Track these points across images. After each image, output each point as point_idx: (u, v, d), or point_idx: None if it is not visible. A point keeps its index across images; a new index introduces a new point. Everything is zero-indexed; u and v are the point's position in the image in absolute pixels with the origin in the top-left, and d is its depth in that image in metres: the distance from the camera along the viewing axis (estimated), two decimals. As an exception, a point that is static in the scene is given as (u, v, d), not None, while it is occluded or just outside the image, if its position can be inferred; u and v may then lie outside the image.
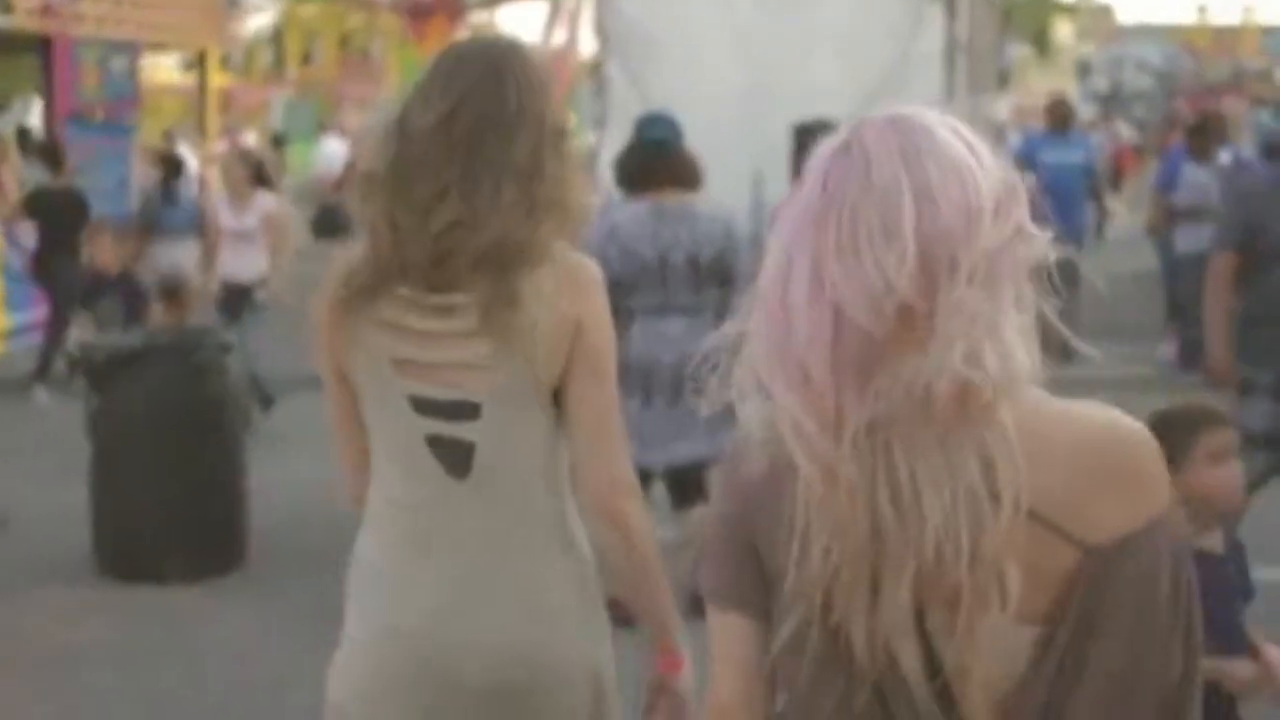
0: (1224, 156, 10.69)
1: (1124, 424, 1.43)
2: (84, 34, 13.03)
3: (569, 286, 2.22)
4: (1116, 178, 20.50)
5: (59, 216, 10.17)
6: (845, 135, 1.42)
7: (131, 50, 13.92)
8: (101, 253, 10.49)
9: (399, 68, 22.80)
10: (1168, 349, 10.42)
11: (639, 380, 5.00)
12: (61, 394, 9.55)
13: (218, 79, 17.54)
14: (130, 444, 6.15)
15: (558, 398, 2.25)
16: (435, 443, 2.25)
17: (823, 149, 1.43)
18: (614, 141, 7.54)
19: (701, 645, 1.68)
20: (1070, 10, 41.13)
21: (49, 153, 10.83)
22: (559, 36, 18.37)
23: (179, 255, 9.53)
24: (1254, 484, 4.49)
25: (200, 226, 9.56)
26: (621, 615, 2.36)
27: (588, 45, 16.05)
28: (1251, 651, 2.75)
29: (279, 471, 7.38)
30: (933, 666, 1.40)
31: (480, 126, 2.19)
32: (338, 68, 27.74)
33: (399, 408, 2.25)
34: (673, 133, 5.37)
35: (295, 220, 15.62)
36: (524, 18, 45.49)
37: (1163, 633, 1.38)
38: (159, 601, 5.85)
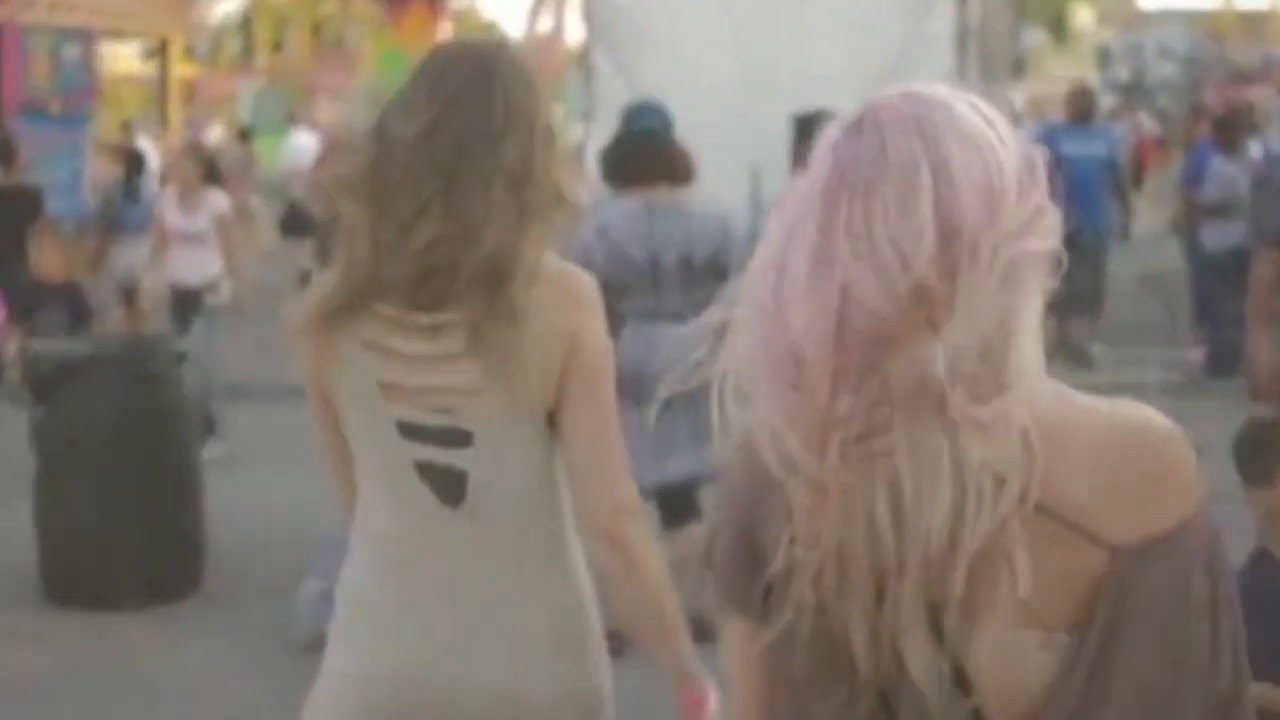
0: (1253, 149, 10.66)
1: (1153, 420, 1.42)
2: (33, 21, 12.99)
3: (562, 302, 2.24)
4: (1138, 172, 20.49)
5: (10, 215, 10.10)
6: (857, 114, 1.43)
7: (84, 38, 13.88)
8: (45, 259, 10.40)
9: (375, 57, 22.77)
10: (1195, 354, 10.38)
11: (630, 390, 4.94)
12: (10, 404, 9.48)
13: (181, 68, 17.53)
14: (78, 458, 6.10)
15: (553, 417, 2.27)
16: (426, 470, 2.27)
17: (832, 128, 1.44)
18: (601, 135, 7.49)
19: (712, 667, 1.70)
20: (1089, -7, 41.25)
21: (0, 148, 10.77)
22: (544, 23, 18.36)
23: (141, 256, 9.49)
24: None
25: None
26: (617, 645, 2.38)
27: (575, 33, 16.02)
28: None
29: (240, 488, 7.34)
30: (948, 676, 1.40)
31: (465, 138, 2.21)
32: (310, 57, 27.77)
33: (387, 434, 2.27)
34: (663, 123, 5.33)
35: (263, 218, 15.60)
36: (507, 3, 45.54)
37: (1200, 644, 1.37)
38: (108, 630, 5.78)
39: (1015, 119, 1.68)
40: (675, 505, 5.23)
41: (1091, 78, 27.58)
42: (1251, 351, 5.38)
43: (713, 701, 2.33)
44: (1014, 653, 1.38)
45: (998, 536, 1.34)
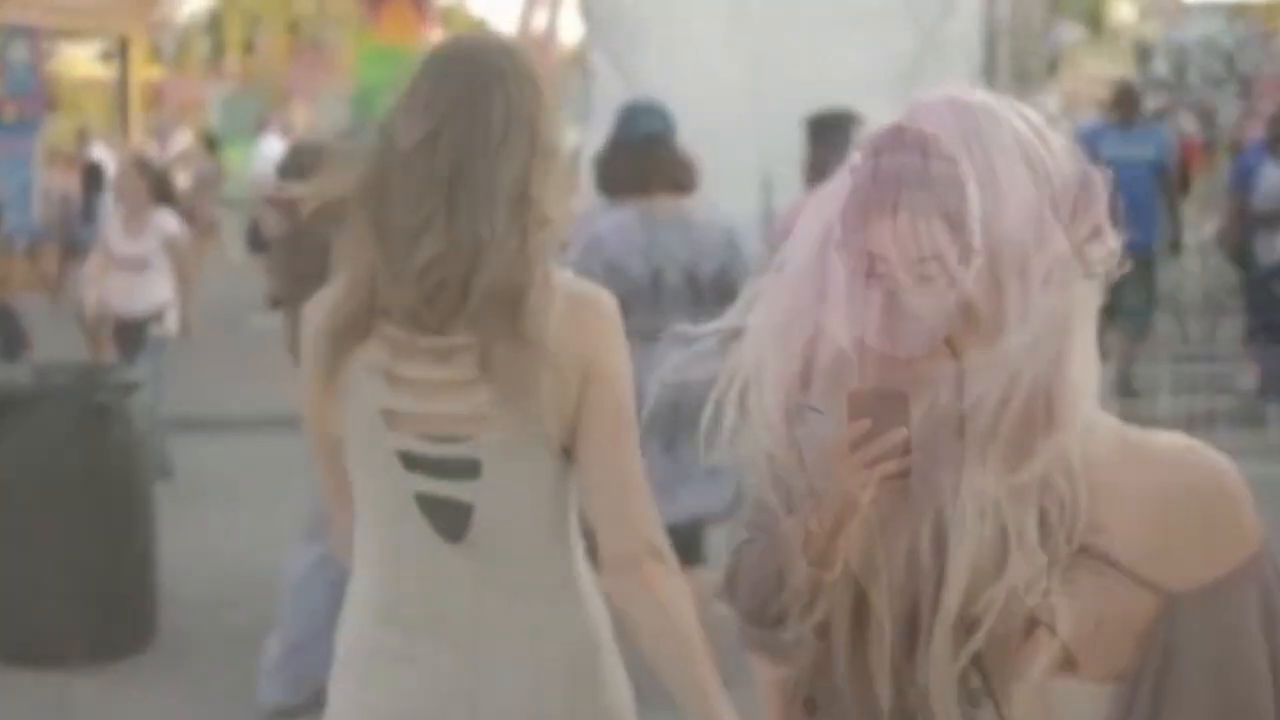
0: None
1: (1205, 457, 1.44)
2: (-23, 19, 12.97)
3: (579, 323, 2.25)
4: (1183, 177, 20.44)
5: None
6: (898, 121, 1.45)
7: (30, 36, 13.83)
8: None
9: (357, 56, 22.81)
10: (1247, 377, 10.30)
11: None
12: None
13: (145, 71, 17.52)
14: (19, 501, 6.06)
15: (568, 448, 2.29)
16: (426, 503, 2.29)
17: (870, 134, 1.46)
18: (598, 139, 7.45)
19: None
20: (1129, -15, 41.42)
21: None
22: (538, 21, 18.37)
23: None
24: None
25: None
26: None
27: (572, 31, 16.01)
28: None
29: (196, 533, 7.35)
30: None
31: (465, 148, 2.22)
32: (285, 58, 27.84)
33: (388, 464, 2.30)
34: (663, 125, 5.30)
35: (231, 233, 15.56)
36: (498, 1, 45.72)
37: (1259, 694, 1.38)
38: (54, 688, 5.73)
39: (1051, 122, 1.67)
40: (683, 546, 5.13)
41: (1130, 75, 27.60)
42: None
43: None
44: (1056, 703, 1.39)
45: (1039, 578, 1.36)
